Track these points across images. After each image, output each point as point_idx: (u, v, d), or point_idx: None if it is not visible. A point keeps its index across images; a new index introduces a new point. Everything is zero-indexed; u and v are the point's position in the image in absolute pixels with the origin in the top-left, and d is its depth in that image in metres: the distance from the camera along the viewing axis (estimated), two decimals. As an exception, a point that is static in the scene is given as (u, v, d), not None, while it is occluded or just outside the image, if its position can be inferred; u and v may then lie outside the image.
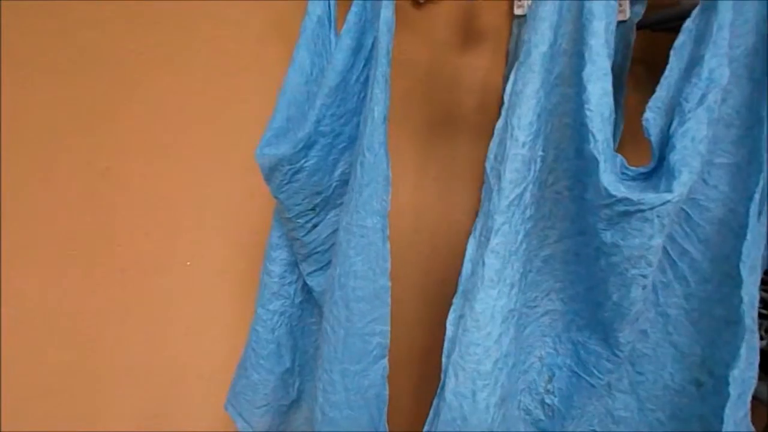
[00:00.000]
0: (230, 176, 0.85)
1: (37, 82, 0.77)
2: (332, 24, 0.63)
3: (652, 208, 0.46)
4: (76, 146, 0.80)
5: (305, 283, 0.71)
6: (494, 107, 0.90)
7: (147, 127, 0.82)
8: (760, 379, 0.80)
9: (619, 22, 0.83)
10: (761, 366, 0.81)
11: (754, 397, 0.77)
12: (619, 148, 0.86)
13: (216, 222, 0.86)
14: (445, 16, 0.90)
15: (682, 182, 0.46)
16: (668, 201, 0.46)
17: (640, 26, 0.83)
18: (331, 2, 0.63)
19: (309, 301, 0.73)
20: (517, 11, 0.89)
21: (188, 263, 0.86)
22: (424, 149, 0.91)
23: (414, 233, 0.91)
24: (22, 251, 0.81)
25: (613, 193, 0.47)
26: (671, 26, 0.80)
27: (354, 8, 0.58)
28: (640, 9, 0.82)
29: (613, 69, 0.84)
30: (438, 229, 0.91)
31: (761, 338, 0.81)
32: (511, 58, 0.91)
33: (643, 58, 0.92)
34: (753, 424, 0.64)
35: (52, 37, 0.77)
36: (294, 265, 0.70)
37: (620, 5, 0.83)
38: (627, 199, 0.46)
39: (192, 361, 0.89)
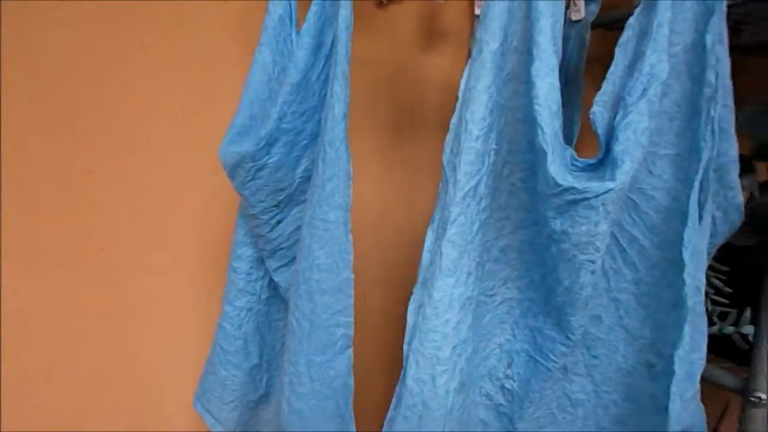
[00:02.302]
0: (207, 176, 0.85)
1: (16, 83, 0.77)
2: (293, 23, 0.65)
3: (596, 196, 0.48)
4: (56, 148, 0.80)
5: (271, 280, 0.72)
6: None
7: (126, 128, 0.82)
8: (713, 362, 0.83)
9: (575, 21, 0.86)
10: (716, 350, 0.85)
11: (710, 381, 0.80)
12: (578, 142, 0.89)
13: (190, 222, 0.87)
14: (408, 16, 0.92)
15: (624, 171, 0.48)
16: (611, 189, 0.48)
17: (596, 25, 0.87)
18: (292, 2, 0.64)
19: (275, 297, 0.73)
20: (478, 11, 0.91)
21: (160, 264, 0.85)
22: (389, 146, 0.93)
23: (378, 229, 0.93)
24: (3, 253, 0.80)
25: (560, 182, 0.49)
26: (625, 25, 0.84)
27: (313, 7, 0.59)
28: (595, 8, 0.85)
29: (569, 67, 0.87)
30: (402, 225, 0.92)
31: (713, 323, 0.85)
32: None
33: (599, 57, 0.95)
34: (709, 407, 0.67)
35: (29, 38, 0.76)
36: (260, 261, 0.71)
37: (575, 4, 0.86)
38: (573, 188, 0.49)
39: (173, 362, 0.89)
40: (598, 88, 0.85)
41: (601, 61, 0.96)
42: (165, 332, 0.88)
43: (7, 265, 0.80)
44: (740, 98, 0.61)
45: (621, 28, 0.87)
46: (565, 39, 0.85)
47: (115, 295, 0.84)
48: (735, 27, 0.89)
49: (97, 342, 0.85)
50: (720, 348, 0.86)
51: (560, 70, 0.87)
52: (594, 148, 0.61)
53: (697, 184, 0.53)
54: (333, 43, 0.59)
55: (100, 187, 0.81)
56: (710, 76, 0.52)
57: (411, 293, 0.58)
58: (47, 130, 0.79)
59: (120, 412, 0.88)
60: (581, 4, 0.86)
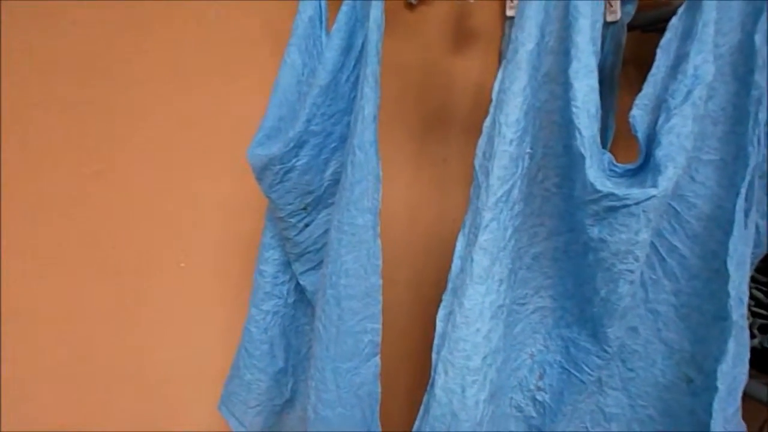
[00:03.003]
0: (224, 177, 0.85)
1: (29, 84, 0.78)
2: (323, 24, 0.64)
3: (637, 203, 0.46)
4: (69, 148, 0.80)
5: (298, 283, 0.71)
6: (487, 108, 0.91)
7: (139, 128, 0.82)
8: (754, 377, 0.80)
9: (610, 23, 0.84)
10: (756, 364, 0.82)
11: (750, 396, 0.77)
12: (613, 146, 0.86)
13: (210, 223, 0.87)
14: (438, 17, 0.90)
15: (667, 177, 0.46)
16: (653, 196, 0.46)
17: (632, 27, 0.84)
18: (322, 2, 0.63)
19: (302, 301, 0.73)
20: (509, 12, 0.89)
21: (182, 265, 0.86)
22: (419, 150, 0.92)
23: (408, 233, 0.91)
24: (15, 254, 0.81)
25: (599, 188, 0.47)
26: (662, 27, 0.81)
27: (344, 8, 0.58)
28: (631, 9, 0.83)
29: (604, 69, 0.85)
30: (432, 229, 0.91)
31: (754, 336, 0.81)
32: (503, 59, 0.92)
33: (635, 59, 0.92)
34: (749, 423, 0.64)
35: (44, 39, 0.77)
36: (287, 265, 0.71)
37: (611, 5, 0.83)
38: (613, 194, 0.47)
39: (186, 362, 0.89)
40: (633, 91, 0.83)
41: (636, 63, 0.94)
42: (176, 334, 0.88)
43: (12, 266, 0.81)
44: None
45: (657, 30, 0.85)
46: (601, 41, 0.82)
47: (125, 296, 0.85)
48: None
49: (110, 342, 0.86)
50: (760, 362, 0.82)
51: (595, 72, 0.85)
52: (628, 153, 0.59)
53: (743, 191, 0.50)
54: (363, 45, 0.58)
55: (110, 187, 0.82)
56: (759, 78, 0.50)
57: (440, 299, 0.57)
58: (54, 131, 0.79)
59: (127, 414, 0.89)
60: (617, 4, 0.83)
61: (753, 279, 0.82)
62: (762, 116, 0.50)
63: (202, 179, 0.85)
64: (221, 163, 0.84)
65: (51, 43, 0.77)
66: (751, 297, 0.82)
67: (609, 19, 0.84)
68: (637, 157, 0.53)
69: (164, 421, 0.89)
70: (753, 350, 0.78)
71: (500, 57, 0.93)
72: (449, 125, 0.93)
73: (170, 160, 0.84)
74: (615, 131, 0.86)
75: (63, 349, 0.84)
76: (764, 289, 0.83)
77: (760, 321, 0.83)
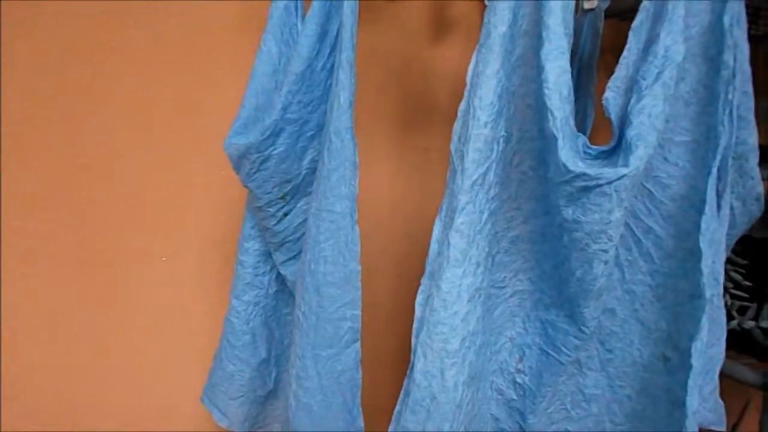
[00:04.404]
0: (209, 169, 0.85)
1: (12, 79, 0.77)
2: (299, 12, 0.64)
3: (609, 183, 0.47)
4: (53, 142, 0.80)
5: (279, 273, 0.71)
6: (467, 96, 0.91)
7: (124, 122, 0.82)
8: (734, 358, 0.81)
9: (588, 10, 0.85)
10: (736, 346, 0.83)
11: (731, 377, 0.78)
12: (593, 134, 0.87)
13: (193, 216, 0.86)
14: (418, 7, 0.91)
15: (638, 156, 0.47)
16: (625, 175, 0.46)
17: (609, 14, 0.85)
18: (298, -10, 0.63)
19: (283, 291, 0.73)
20: (488, 2, 0.89)
21: (163, 258, 0.85)
22: (400, 139, 0.92)
23: (390, 222, 0.91)
24: (2, 249, 0.81)
25: (572, 168, 0.47)
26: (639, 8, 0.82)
27: (318, -6, 0.58)
28: (608, -3, 0.84)
29: (582, 56, 0.86)
30: (413, 217, 0.91)
31: (733, 318, 0.83)
32: (480, 46, 0.92)
33: (613, 47, 0.93)
34: (731, 404, 0.65)
35: (25, 33, 0.76)
36: (267, 255, 0.70)
37: (588, -7, 0.84)
38: (585, 174, 0.47)
39: (172, 358, 0.89)
40: (611, 77, 0.83)
41: (614, 51, 0.94)
42: (167, 327, 0.87)
43: (6, 262, 0.80)
44: (758, 90, 0.59)
45: (634, 18, 0.86)
46: (578, 28, 0.83)
47: (116, 291, 0.84)
48: (755, 14, 0.87)
49: (98, 338, 0.85)
50: (740, 343, 0.84)
51: (573, 59, 0.86)
52: (607, 139, 0.60)
53: (714, 170, 0.51)
54: (338, 32, 0.58)
55: (96, 181, 0.81)
56: (728, 58, 0.50)
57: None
58: (44, 125, 0.79)
59: (122, 410, 0.88)
60: (594, -8, 0.84)
61: (731, 261, 0.83)
62: (731, 97, 0.51)
63: (188, 171, 0.84)
64: (206, 154, 0.84)
65: (30, 36, 0.77)
66: (730, 279, 0.84)
67: (586, 6, 0.85)
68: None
69: (154, 416, 0.89)
70: (732, 332, 0.79)
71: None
72: (430, 114, 0.93)
73: (156, 153, 0.83)
74: (594, 119, 0.87)
75: (50, 344, 0.84)
76: (742, 271, 0.84)
77: (738, 303, 0.84)
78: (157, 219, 0.85)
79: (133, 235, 0.84)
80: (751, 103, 0.59)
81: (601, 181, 0.47)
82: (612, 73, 0.94)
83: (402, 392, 0.55)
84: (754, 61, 0.58)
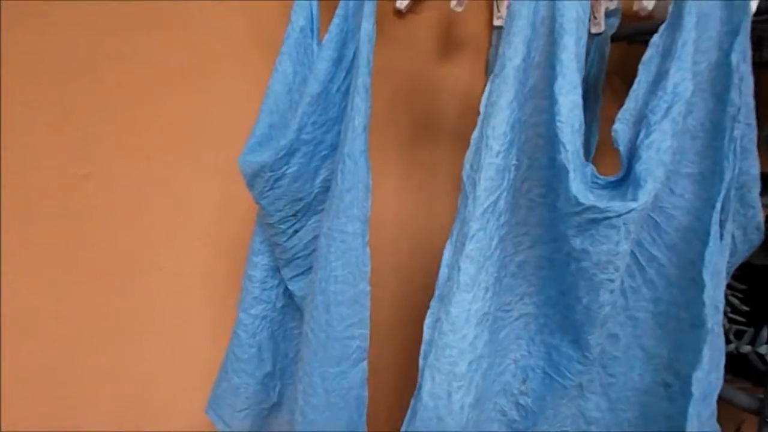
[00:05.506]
0: (212, 181, 0.86)
1: (13, 85, 0.77)
2: (315, 34, 0.65)
3: (618, 216, 0.48)
4: (56, 151, 0.80)
5: (286, 288, 0.72)
6: (475, 115, 0.92)
7: (127, 132, 0.82)
8: (730, 381, 0.82)
9: (595, 34, 0.86)
10: (732, 369, 0.85)
11: (726, 400, 0.79)
12: (596, 155, 0.88)
13: (198, 227, 0.87)
14: (427, 26, 0.92)
15: (647, 191, 0.48)
16: (633, 209, 0.48)
17: (616, 38, 0.86)
18: (314, 13, 0.64)
19: (290, 306, 0.74)
20: (496, 22, 0.91)
21: (161, 268, 0.86)
22: (407, 157, 0.93)
23: (396, 240, 0.93)
24: (3, 254, 0.81)
25: (582, 201, 0.49)
26: (645, 39, 0.84)
27: (336, 20, 0.59)
28: (615, 21, 0.85)
29: (588, 79, 0.87)
30: (420, 236, 0.92)
31: (730, 342, 0.84)
32: (490, 68, 0.94)
33: (619, 70, 0.95)
34: (725, 425, 0.66)
35: (29, 39, 0.77)
36: (275, 270, 0.71)
37: (595, 17, 0.86)
38: (595, 207, 0.48)
39: (172, 365, 0.89)
40: (617, 101, 0.85)
41: (621, 74, 0.96)
42: (166, 336, 0.88)
43: (7, 266, 0.80)
44: (760, 115, 0.61)
45: (641, 42, 0.88)
46: (585, 52, 0.85)
47: (116, 298, 0.85)
48: (758, 42, 0.88)
49: (98, 344, 0.86)
50: (736, 367, 0.85)
51: (579, 83, 0.86)
52: (612, 161, 0.61)
53: (719, 204, 0.52)
54: (354, 56, 0.59)
55: (98, 190, 0.81)
56: (734, 96, 0.52)
57: (427, 306, 0.58)
58: (45, 133, 0.79)
59: (120, 414, 0.89)
60: (601, 17, 0.85)
61: (729, 286, 0.84)
62: (737, 133, 0.52)
63: (191, 183, 0.85)
64: (210, 166, 0.85)
65: (32, 45, 0.77)
66: (728, 303, 0.85)
67: (593, 30, 0.87)
68: (618, 165, 0.55)
69: (149, 425, 0.89)
70: (729, 355, 0.80)
71: (487, 65, 0.95)
72: (438, 132, 0.95)
73: (159, 163, 0.84)
74: (598, 140, 0.88)
75: (52, 350, 0.84)
76: (740, 296, 0.86)
77: (736, 327, 0.86)
78: (159, 229, 0.86)
79: (135, 244, 0.85)
80: (754, 134, 0.60)
81: (610, 214, 0.48)
82: (618, 94, 0.96)
83: (409, 413, 0.56)
84: (756, 87, 0.59)
